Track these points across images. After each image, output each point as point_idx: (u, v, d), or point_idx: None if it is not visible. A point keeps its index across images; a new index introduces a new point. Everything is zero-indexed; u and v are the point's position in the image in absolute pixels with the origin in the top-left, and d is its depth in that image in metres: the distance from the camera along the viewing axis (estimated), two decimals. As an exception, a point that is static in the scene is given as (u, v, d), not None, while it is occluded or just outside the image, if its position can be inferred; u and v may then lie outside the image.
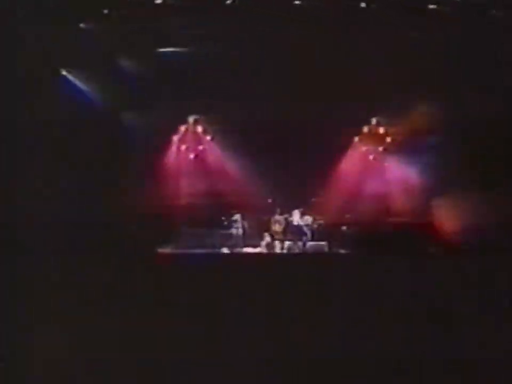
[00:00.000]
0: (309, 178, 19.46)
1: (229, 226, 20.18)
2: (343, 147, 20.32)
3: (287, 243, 20.07)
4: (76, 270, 11.49)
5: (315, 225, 20.24)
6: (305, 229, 20.24)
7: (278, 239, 20.13)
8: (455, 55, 16.74)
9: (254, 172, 19.71)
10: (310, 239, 19.88)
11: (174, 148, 20.92)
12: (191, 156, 21.26)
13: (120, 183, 18.66)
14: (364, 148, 21.18)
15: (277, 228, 20.32)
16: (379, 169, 20.80)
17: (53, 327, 8.05)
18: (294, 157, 19.76)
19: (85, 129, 18.26)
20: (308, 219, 20.33)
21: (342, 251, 19.28)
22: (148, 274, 11.58)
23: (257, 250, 19.74)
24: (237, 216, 20.32)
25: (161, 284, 11.05)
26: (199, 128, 21.15)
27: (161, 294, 10.34)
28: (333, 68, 17.41)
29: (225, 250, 19.80)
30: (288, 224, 20.44)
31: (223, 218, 20.20)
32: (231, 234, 20.21)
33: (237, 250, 19.68)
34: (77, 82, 18.91)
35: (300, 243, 20.02)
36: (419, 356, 6.79)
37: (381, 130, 20.90)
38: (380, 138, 20.92)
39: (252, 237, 19.96)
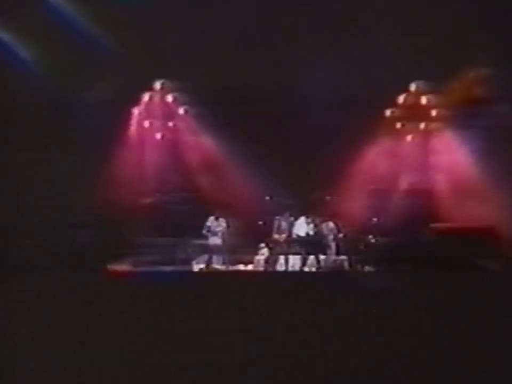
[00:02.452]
0: (321, 169, 19.28)
1: (210, 235, 20.10)
2: (369, 124, 19.93)
3: (292, 258, 19.99)
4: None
5: (330, 233, 20.22)
6: (330, 238, 20.18)
7: (280, 253, 20.08)
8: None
9: (245, 159, 19.62)
10: (327, 251, 20.11)
11: (133, 125, 20.83)
12: (157, 135, 21.11)
13: (61, 175, 18.54)
14: (398, 125, 21.01)
15: (277, 236, 20.31)
16: (420, 155, 20.77)
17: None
18: (300, 139, 19.78)
19: (10, 102, 18.42)
20: (329, 224, 20.24)
21: (368, 268, 19.35)
22: (95, 297, 12.08)
23: (250, 267, 19.84)
24: (221, 221, 20.12)
25: (112, 311, 11.26)
26: (169, 97, 20.97)
27: (112, 324, 10.56)
28: (353, 19, 17.97)
29: (204, 267, 19.81)
30: (294, 231, 20.25)
31: (204, 223, 20.06)
32: (212, 246, 20.07)
33: (222, 267, 19.79)
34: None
35: (310, 258, 19.91)
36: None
37: (423, 100, 20.83)
38: (421, 112, 20.87)
39: (243, 250, 20.02)
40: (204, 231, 20.00)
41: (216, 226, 20.06)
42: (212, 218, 20.02)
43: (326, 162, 19.27)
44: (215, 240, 20.03)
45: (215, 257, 19.91)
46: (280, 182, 19.63)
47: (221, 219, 20.05)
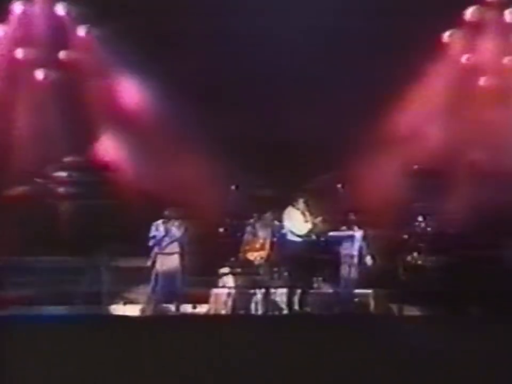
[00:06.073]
0: (326, 137, 19.97)
1: (140, 250, 20.00)
2: (413, 58, 20.62)
3: (277, 292, 20.17)
4: None
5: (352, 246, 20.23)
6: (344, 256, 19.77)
7: (255, 284, 20.23)
8: None
9: (193, 119, 19.98)
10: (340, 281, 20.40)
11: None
12: (39, 73, 21.29)
13: None
14: (463, 59, 21.38)
15: (250, 254, 20.54)
16: (499, 111, 20.96)
17: None
18: (285, 85, 19.95)
19: None
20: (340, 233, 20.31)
21: (410, 311, 19.60)
22: None
23: (203, 309, 20.50)
24: (177, 226, 19.81)
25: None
26: (59, 10, 21.17)
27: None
28: None
29: (126, 308, 20.10)
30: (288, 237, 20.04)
31: (126, 230, 20.06)
32: (142, 269, 20.23)
33: (158, 308, 20.21)
34: None
35: (307, 290, 20.12)
36: None
37: (506, 17, 21.19)
38: (503, 37, 21.23)
39: (192, 278, 20.39)
40: (152, 246, 20.09)
41: (169, 234, 20.19)
42: (158, 223, 20.09)
43: (333, 126, 19.75)
44: (167, 261, 20.12)
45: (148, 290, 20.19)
46: (254, 160, 20.43)
47: (173, 222, 20.18)
